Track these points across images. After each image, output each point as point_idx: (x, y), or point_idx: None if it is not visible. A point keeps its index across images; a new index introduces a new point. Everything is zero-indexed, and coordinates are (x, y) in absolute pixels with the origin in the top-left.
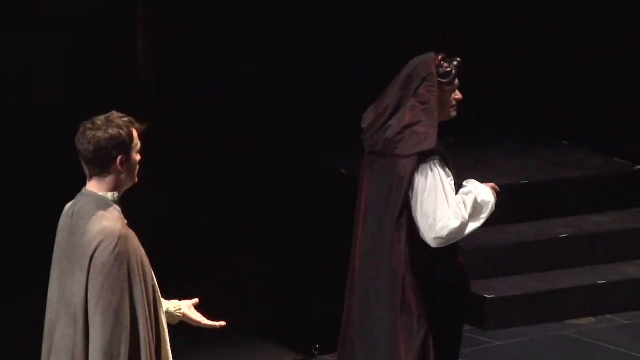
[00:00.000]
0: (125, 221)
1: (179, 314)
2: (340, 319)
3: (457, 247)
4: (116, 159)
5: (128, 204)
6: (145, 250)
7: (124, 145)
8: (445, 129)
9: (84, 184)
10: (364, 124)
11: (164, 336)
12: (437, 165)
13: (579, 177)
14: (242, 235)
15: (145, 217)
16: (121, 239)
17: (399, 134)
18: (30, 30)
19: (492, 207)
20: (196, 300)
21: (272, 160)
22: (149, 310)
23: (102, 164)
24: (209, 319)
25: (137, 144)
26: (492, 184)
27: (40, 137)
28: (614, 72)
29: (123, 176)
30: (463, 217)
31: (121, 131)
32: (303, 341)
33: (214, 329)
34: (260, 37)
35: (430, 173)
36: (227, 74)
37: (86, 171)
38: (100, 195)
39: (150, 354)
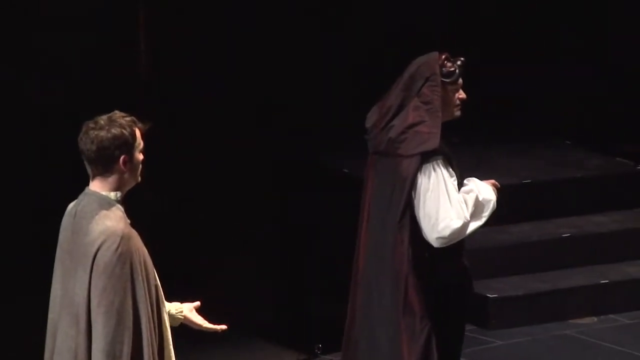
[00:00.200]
0: (128, 221)
1: (180, 317)
2: (342, 319)
3: (460, 247)
4: (119, 158)
5: (128, 203)
6: (147, 250)
7: (127, 145)
8: (448, 128)
9: (85, 184)
10: (368, 123)
11: (167, 336)
12: (440, 165)
13: (581, 177)
14: (242, 235)
15: (145, 217)
16: (124, 238)
17: (402, 133)
18: (30, 30)
19: (493, 205)
20: (197, 303)
21: (272, 160)
22: (152, 310)
23: (105, 163)
24: (210, 322)
25: (140, 143)
26: (493, 181)
27: (40, 137)
28: (614, 72)
29: (126, 176)
30: (465, 217)
31: (124, 131)
32: (304, 341)
33: (215, 332)
34: (260, 37)
35: (433, 173)
36: (227, 74)
37: (89, 171)
38: (103, 195)
39: (153, 354)
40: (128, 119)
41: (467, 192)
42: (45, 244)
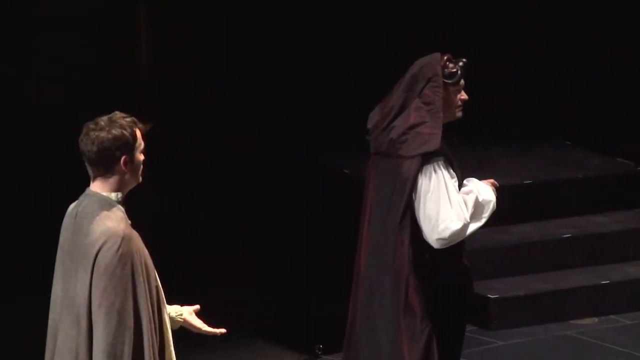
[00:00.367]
0: (129, 222)
1: (180, 319)
2: (342, 319)
3: (461, 248)
4: (120, 159)
5: (128, 204)
6: (147, 250)
7: (128, 146)
8: (449, 129)
9: (85, 184)
10: (370, 124)
11: (168, 337)
12: (441, 167)
13: (582, 177)
14: (242, 235)
15: (145, 217)
16: (125, 239)
17: (403, 134)
18: (30, 30)
19: (493, 206)
20: (197, 306)
21: (272, 160)
22: (153, 311)
23: (105, 164)
24: (209, 325)
25: (141, 143)
26: (492, 180)
27: (40, 137)
28: (615, 72)
29: (127, 176)
30: (465, 219)
31: (124, 131)
32: (305, 342)
33: (214, 335)
34: (260, 37)
35: (433, 174)
36: (227, 74)
37: (90, 172)
38: (104, 196)
39: (154, 354)
40: (129, 119)
41: (467, 193)
42: (45, 244)
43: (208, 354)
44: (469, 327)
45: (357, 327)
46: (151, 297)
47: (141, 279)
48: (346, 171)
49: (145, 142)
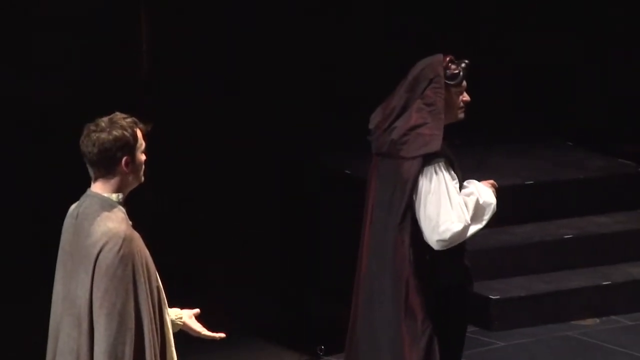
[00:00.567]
0: (130, 222)
1: (179, 323)
2: (343, 319)
3: (461, 249)
4: (121, 160)
5: (128, 204)
6: (148, 251)
7: (128, 146)
8: (450, 130)
9: (85, 184)
10: (371, 124)
11: (169, 337)
12: (442, 168)
13: (583, 178)
14: (242, 235)
15: (145, 217)
16: (126, 240)
17: (404, 135)
18: (30, 30)
19: (493, 208)
20: (197, 310)
21: (272, 160)
22: (154, 312)
23: (107, 165)
24: (209, 329)
25: (142, 144)
26: (491, 181)
27: (40, 137)
28: (615, 72)
29: (128, 177)
30: (466, 220)
31: (125, 132)
32: (305, 342)
33: (213, 339)
34: (260, 37)
35: (434, 175)
36: (227, 74)
37: (91, 173)
38: (105, 197)
39: (155, 355)
40: (129, 120)
41: (468, 195)
42: (45, 244)
43: (208, 354)
44: (470, 328)
45: (358, 328)
46: (152, 298)
47: (142, 279)
48: (347, 171)
49: (146, 142)
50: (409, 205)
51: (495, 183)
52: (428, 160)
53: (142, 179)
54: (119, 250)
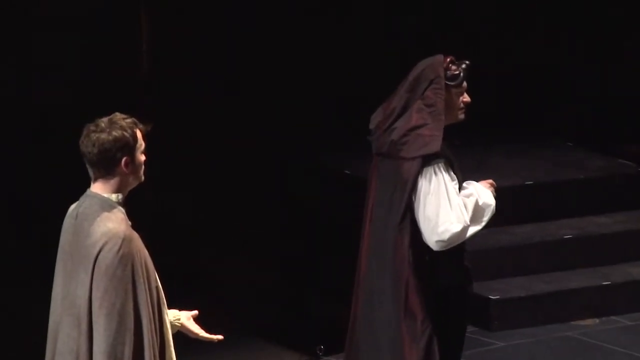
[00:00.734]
0: (130, 223)
1: (177, 324)
2: (342, 319)
3: (461, 249)
4: (121, 160)
5: (128, 204)
6: (148, 251)
7: (128, 147)
8: (450, 131)
9: (85, 185)
10: (372, 125)
11: (168, 338)
12: (441, 169)
13: (583, 178)
14: (242, 235)
15: (145, 217)
16: (125, 240)
17: (404, 136)
18: (30, 30)
19: (493, 210)
20: (195, 312)
21: (272, 160)
22: (153, 312)
23: (106, 166)
24: (207, 331)
25: (142, 144)
26: (490, 180)
27: (40, 137)
28: (615, 73)
29: (128, 177)
30: (465, 221)
31: (125, 133)
32: (305, 342)
33: (210, 341)
34: (260, 37)
35: (434, 176)
36: (227, 74)
37: (91, 173)
38: (104, 197)
39: (154, 355)
40: (129, 120)
41: (467, 196)
42: (45, 244)
43: (208, 355)
44: (469, 328)
45: (358, 328)
46: (151, 298)
47: (141, 280)
48: (347, 171)
49: (146, 143)
50: (409, 205)
51: (493, 182)
52: (428, 161)
53: (142, 178)
54: (119, 250)
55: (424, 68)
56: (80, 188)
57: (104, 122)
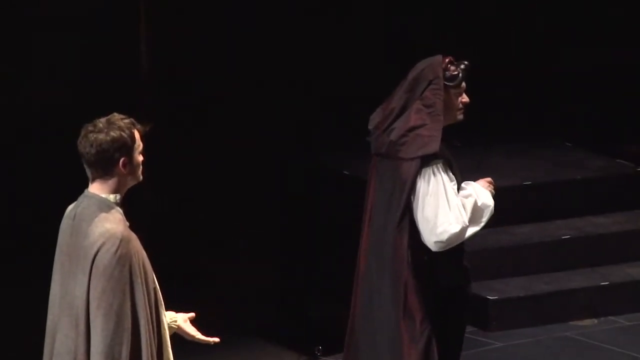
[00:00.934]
0: (128, 223)
1: (174, 326)
2: (342, 320)
3: (460, 250)
4: (118, 161)
5: (128, 204)
6: (146, 251)
7: (126, 147)
8: (450, 131)
9: (84, 185)
10: (371, 125)
11: (165, 338)
12: (440, 170)
13: (582, 178)
14: (242, 235)
15: (145, 217)
16: (123, 241)
17: (402, 136)
18: (30, 30)
19: (491, 210)
20: (192, 314)
21: (272, 160)
22: (150, 313)
23: (104, 166)
24: (203, 333)
25: (140, 145)
26: (489, 179)
27: (40, 137)
28: (615, 72)
29: (126, 178)
30: (464, 222)
31: (123, 133)
32: (304, 342)
33: (207, 344)
34: (260, 37)
35: (432, 177)
36: (227, 74)
37: (88, 174)
38: (102, 198)
39: (152, 356)
40: (127, 121)
41: (466, 197)
42: (45, 244)
43: (207, 355)
44: (468, 328)
45: (357, 328)
46: (149, 299)
47: (139, 280)
48: (346, 172)
49: (144, 143)
50: (408, 206)
51: (492, 180)
52: (426, 161)
53: (140, 178)
54: (116, 251)
55: (423, 68)
56: (79, 188)
57: (101, 122)
